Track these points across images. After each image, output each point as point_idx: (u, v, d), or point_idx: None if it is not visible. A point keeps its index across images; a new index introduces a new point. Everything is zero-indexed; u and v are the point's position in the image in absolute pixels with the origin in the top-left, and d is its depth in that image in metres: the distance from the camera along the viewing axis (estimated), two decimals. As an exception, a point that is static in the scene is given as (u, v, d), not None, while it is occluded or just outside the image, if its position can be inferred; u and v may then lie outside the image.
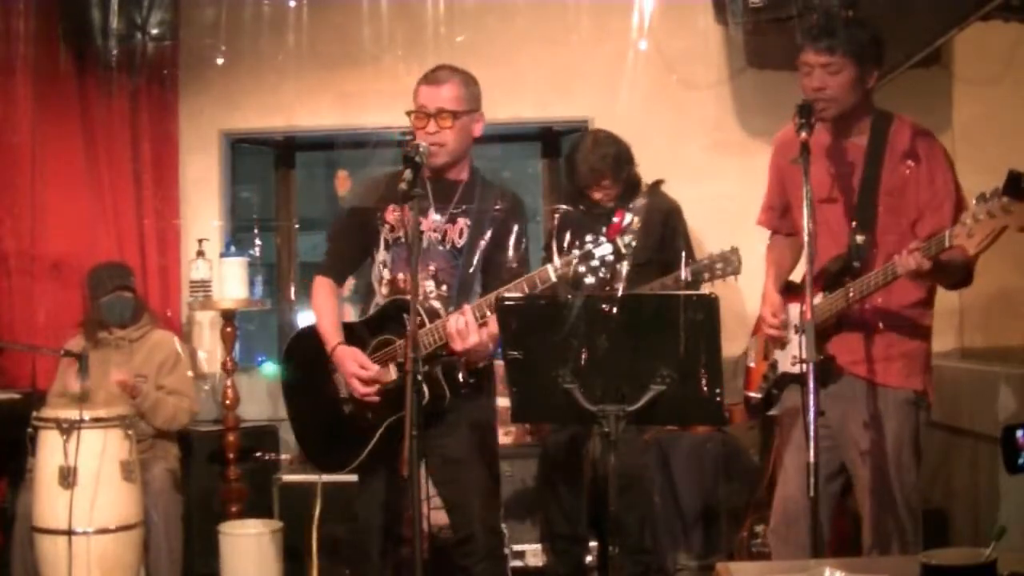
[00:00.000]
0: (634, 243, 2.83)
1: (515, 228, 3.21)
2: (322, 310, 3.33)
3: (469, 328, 2.98)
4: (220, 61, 5.32)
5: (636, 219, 2.79)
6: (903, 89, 4.71)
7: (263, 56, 5.35)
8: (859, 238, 2.99)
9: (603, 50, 5.26)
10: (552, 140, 5.73)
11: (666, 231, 4.37)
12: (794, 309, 3.16)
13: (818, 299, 3.03)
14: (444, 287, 3.20)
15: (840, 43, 2.95)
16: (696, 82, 5.24)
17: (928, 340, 3.10)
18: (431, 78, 3.20)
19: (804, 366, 2.64)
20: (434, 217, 3.23)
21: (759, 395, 3.26)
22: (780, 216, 3.32)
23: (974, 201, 2.66)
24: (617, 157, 4.26)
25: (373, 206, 3.30)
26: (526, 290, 2.92)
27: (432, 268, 3.21)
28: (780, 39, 4.21)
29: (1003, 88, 4.63)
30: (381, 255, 3.28)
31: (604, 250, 2.80)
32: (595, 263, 2.81)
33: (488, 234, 3.20)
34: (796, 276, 3.33)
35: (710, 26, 4.96)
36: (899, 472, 2.99)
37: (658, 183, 4.46)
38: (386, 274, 3.27)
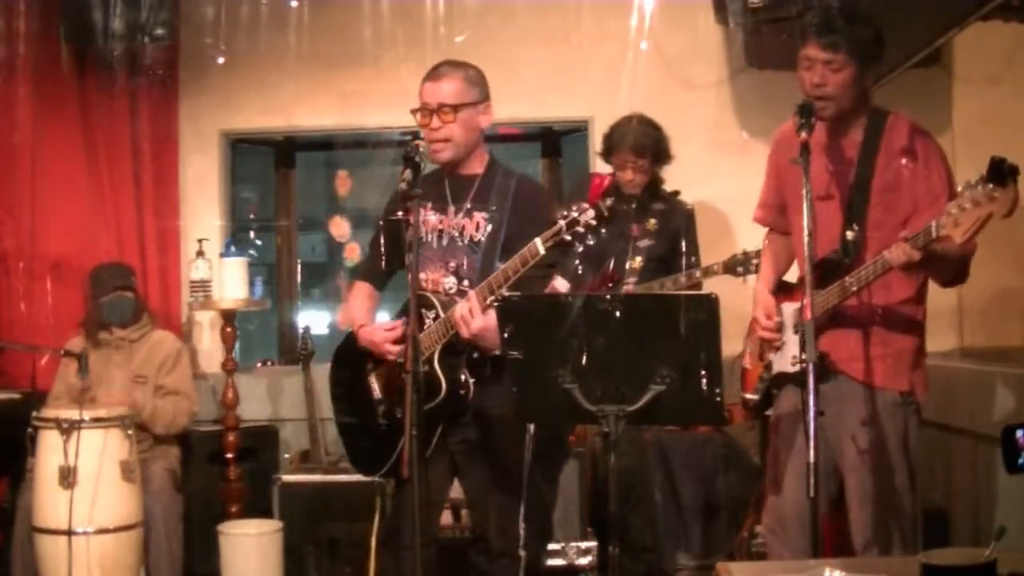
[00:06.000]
0: (616, 206, 2.85)
1: (533, 218, 3.06)
2: (353, 302, 3.40)
3: (473, 312, 2.94)
4: (220, 61, 5.32)
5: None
6: (903, 89, 4.71)
7: (263, 56, 5.34)
8: (849, 234, 2.99)
9: (603, 50, 5.25)
10: (552, 140, 5.73)
11: (682, 233, 4.45)
12: (787, 309, 3.15)
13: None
14: (466, 282, 3.14)
15: (844, 41, 2.94)
16: (696, 82, 5.24)
17: (920, 337, 3.08)
18: (431, 75, 3.21)
19: (803, 366, 2.63)
20: (452, 213, 3.21)
21: (756, 396, 3.26)
22: (777, 213, 3.30)
23: (959, 189, 2.66)
24: (659, 141, 4.35)
25: (397, 214, 3.23)
26: (519, 268, 2.89)
27: (453, 264, 3.19)
28: (780, 39, 4.21)
29: (1003, 88, 4.64)
30: (408, 258, 3.30)
31: (588, 215, 2.81)
32: (581, 229, 2.82)
33: (505, 225, 3.16)
34: (790, 276, 3.33)
35: (710, 26, 4.96)
36: (890, 475, 2.98)
37: (675, 193, 4.52)
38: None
